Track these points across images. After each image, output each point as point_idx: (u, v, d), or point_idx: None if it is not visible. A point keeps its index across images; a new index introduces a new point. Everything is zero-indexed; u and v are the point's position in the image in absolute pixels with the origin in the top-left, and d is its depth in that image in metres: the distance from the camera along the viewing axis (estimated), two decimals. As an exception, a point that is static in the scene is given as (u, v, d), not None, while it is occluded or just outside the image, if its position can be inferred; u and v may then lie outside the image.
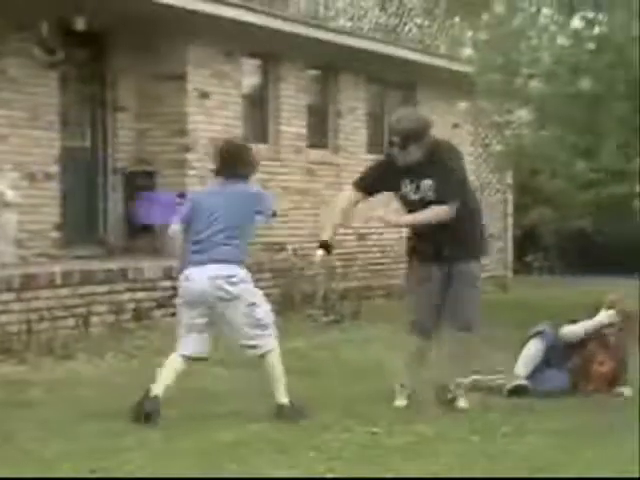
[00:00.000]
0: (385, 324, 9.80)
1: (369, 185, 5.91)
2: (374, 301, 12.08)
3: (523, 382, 6.34)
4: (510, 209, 16.23)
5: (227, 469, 4.53)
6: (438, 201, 5.63)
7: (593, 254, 15.99)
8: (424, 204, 5.66)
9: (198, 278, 5.45)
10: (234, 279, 5.43)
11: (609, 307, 6.48)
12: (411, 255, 5.93)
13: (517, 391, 6.28)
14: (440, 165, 5.66)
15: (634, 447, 4.86)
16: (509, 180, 15.84)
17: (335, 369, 7.32)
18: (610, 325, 6.45)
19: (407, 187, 5.72)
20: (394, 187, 5.79)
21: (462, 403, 5.90)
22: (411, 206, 5.73)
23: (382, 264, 13.58)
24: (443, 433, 5.23)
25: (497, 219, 16.24)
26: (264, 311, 5.55)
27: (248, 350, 5.60)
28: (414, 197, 5.70)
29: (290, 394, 5.59)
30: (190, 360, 5.59)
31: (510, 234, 16.34)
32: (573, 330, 6.48)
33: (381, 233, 13.67)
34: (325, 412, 5.66)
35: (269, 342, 5.54)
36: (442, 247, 5.68)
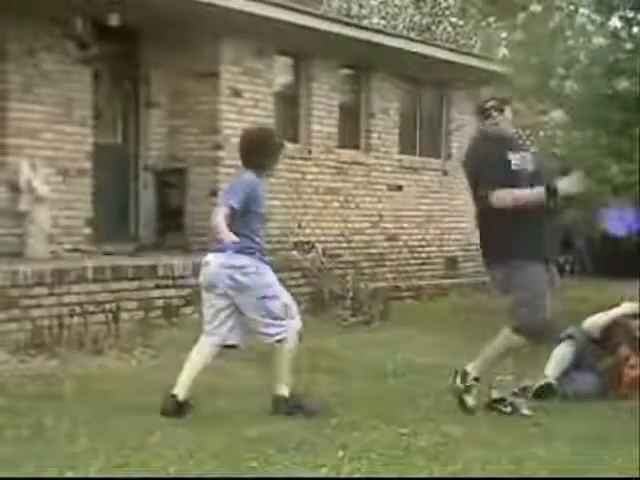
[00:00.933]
0: (413, 325, 9.98)
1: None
2: (403, 302, 12.01)
3: (549, 381, 6.27)
4: (542, 211, 16.11)
5: (251, 467, 4.51)
6: (540, 175, 5.60)
7: (624, 258, 15.84)
8: (527, 177, 5.56)
9: (211, 264, 5.59)
10: (246, 269, 5.48)
11: (630, 299, 6.46)
12: (514, 250, 5.55)
13: (543, 391, 6.21)
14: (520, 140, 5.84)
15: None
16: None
17: (364, 369, 7.30)
18: (632, 316, 6.35)
19: (517, 160, 5.60)
20: (507, 173, 5.52)
21: (525, 410, 5.79)
22: (517, 182, 5.51)
23: (411, 265, 13.56)
24: (470, 434, 5.19)
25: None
26: (280, 304, 5.55)
27: (260, 338, 5.62)
28: (525, 167, 5.60)
29: (318, 392, 5.57)
30: (220, 347, 5.61)
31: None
32: (593, 321, 6.41)
33: (410, 234, 13.62)
34: (353, 411, 5.64)
35: (279, 332, 5.53)
36: (545, 239, 5.59)
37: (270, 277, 5.59)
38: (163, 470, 4.46)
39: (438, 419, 5.53)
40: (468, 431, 5.27)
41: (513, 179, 5.54)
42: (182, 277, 9.33)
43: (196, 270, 9.35)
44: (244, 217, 5.46)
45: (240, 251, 5.47)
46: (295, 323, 5.66)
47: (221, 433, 5.08)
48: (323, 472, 4.50)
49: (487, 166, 5.57)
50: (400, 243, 13.43)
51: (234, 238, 5.31)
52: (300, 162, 12.00)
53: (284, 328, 5.55)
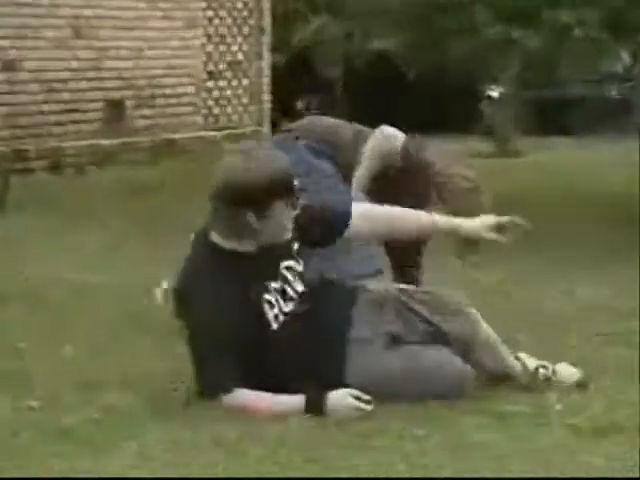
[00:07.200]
0: (51, 215, 8.08)
1: None
2: (33, 176, 10.00)
3: None
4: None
5: None
6: None
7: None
8: None
9: None
10: None
11: None
12: None
13: None
14: None
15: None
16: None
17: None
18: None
19: None
20: None
21: None
22: None
23: (47, 113, 10.38)
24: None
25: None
26: None
27: None
28: None
29: None
30: None
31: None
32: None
33: (43, 60, 10.44)
34: None
35: None
36: None
37: None
38: None
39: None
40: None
41: None
42: None
43: None
44: None
45: None
46: None
47: None
48: None
49: None
50: (26, 76, 10.02)
51: None
52: None
53: None
